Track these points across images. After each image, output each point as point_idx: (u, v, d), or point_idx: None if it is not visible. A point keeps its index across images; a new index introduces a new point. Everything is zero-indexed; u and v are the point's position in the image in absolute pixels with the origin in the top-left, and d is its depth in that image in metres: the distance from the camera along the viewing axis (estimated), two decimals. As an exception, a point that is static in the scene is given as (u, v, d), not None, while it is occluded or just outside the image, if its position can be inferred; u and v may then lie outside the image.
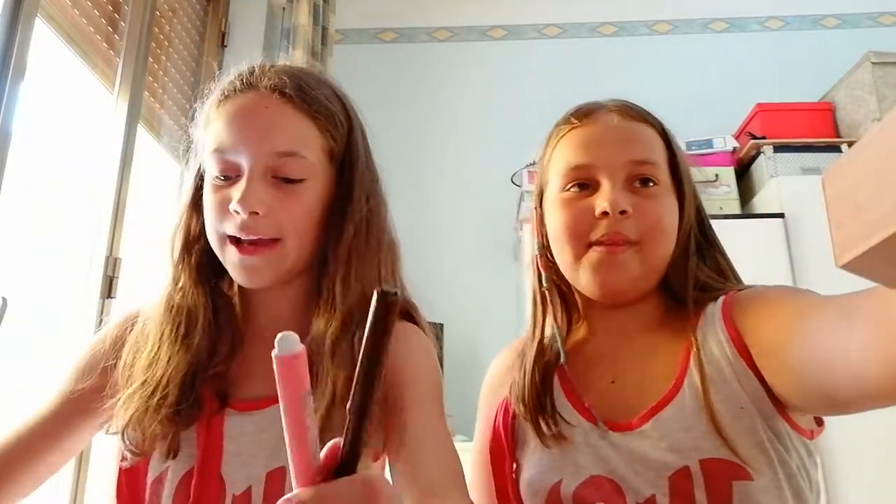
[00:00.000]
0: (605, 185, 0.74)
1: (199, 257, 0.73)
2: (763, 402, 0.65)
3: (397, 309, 0.37)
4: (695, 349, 0.70)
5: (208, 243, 0.72)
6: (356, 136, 0.77)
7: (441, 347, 2.16)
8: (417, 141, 2.60)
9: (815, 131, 2.24)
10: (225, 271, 0.73)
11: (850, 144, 2.28)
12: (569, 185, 0.76)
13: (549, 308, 0.81)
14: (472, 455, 0.85)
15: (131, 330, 0.74)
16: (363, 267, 0.72)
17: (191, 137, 0.79)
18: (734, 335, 0.68)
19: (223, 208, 0.68)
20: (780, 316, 0.63)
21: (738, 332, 0.68)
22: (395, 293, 0.36)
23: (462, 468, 0.70)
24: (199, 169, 0.75)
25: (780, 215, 2.02)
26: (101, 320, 1.52)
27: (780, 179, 2.11)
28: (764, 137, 2.22)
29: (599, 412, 0.73)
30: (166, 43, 1.97)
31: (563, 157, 0.78)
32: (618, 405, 0.73)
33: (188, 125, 0.80)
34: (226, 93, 0.72)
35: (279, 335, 0.38)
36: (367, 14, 2.75)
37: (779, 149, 2.19)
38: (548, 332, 0.81)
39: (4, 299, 1.13)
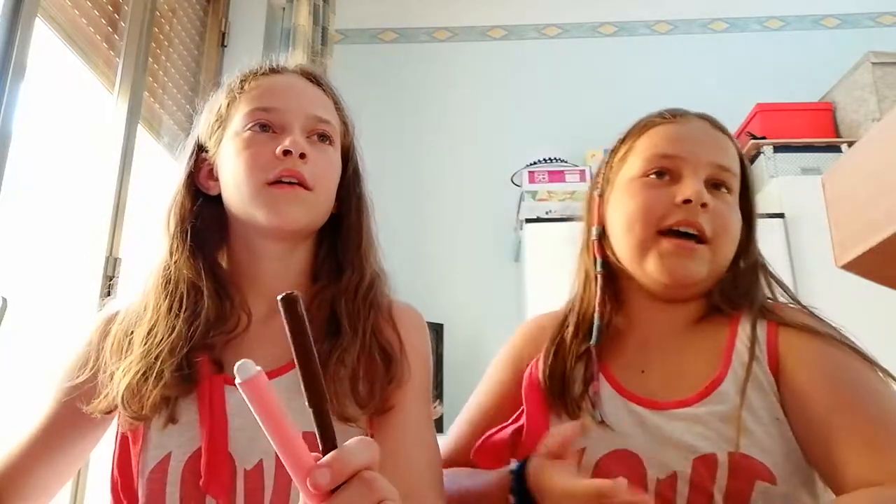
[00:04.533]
0: (688, 178, 0.76)
1: (193, 233, 0.76)
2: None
3: (301, 304, 0.41)
4: (739, 347, 0.73)
5: (202, 221, 0.77)
6: (356, 137, 0.86)
7: (441, 347, 2.16)
8: (417, 141, 2.59)
9: (815, 131, 2.24)
10: (218, 250, 0.79)
11: (850, 144, 2.28)
12: (650, 172, 0.79)
13: (597, 292, 0.82)
14: (476, 397, 0.89)
15: (114, 322, 0.75)
16: (373, 241, 0.82)
17: (190, 131, 0.82)
18: (773, 366, 0.71)
19: (265, 156, 0.73)
20: (821, 418, 0.66)
21: (780, 367, 0.71)
22: (293, 293, 0.41)
23: (440, 464, 0.73)
24: (193, 152, 0.80)
25: (780, 215, 2.02)
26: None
27: (780, 179, 2.11)
28: (764, 137, 2.22)
29: (631, 392, 0.76)
30: (166, 43, 1.96)
31: (651, 145, 0.81)
32: (647, 391, 0.75)
33: (188, 125, 0.82)
34: (261, 71, 0.80)
35: (236, 364, 0.41)
36: (367, 14, 2.75)
37: (779, 149, 2.19)
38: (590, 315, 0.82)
39: (4, 299, 1.13)
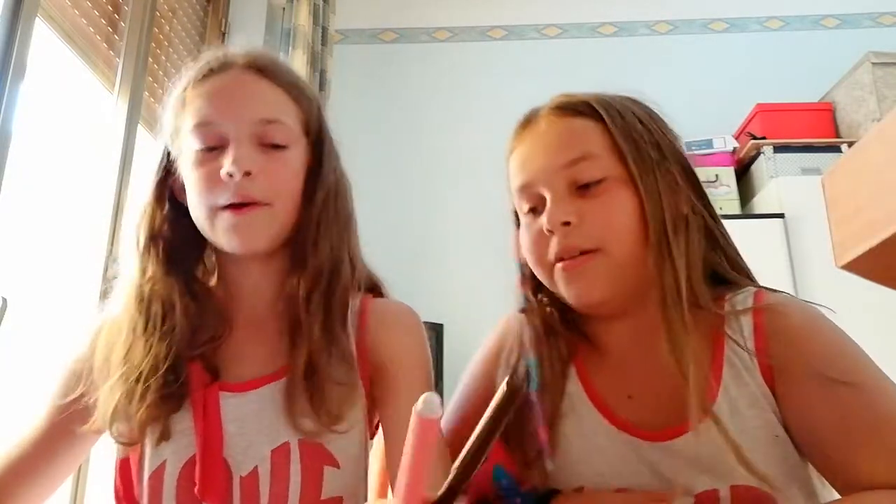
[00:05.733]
0: (548, 200, 0.70)
1: (165, 247, 0.73)
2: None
3: (519, 398, 0.42)
4: (726, 368, 0.67)
5: (174, 235, 0.73)
6: (322, 113, 0.80)
7: (441, 347, 2.16)
8: (417, 141, 2.59)
9: (815, 131, 2.24)
10: (196, 261, 0.76)
11: (850, 144, 2.28)
12: (526, 209, 0.73)
13: (527, 331, 0.75)
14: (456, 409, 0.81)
15: (100, 335, 0.73)
16: (330, 230, 0.74)
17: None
18: (767, 374, 0.65)
19: (213, 179, 0.68)
20: (826, 423, 0.62)
21: (772, 371, 0.65)
22: (522, 384, 0.41)
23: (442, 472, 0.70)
24: (163, 162, 0.76)
25: (780, 215, 2.02)
26: (101, 320, 1.52)
27: (780, 180, 2.11)
28: (764, 138, 2.22)
29: (624, 420, 0.69)
30: (166, 43, 1.96)
31: (512, 181, 0.76)
32: (640, 419, 0.69)
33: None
34: (201, 74, 0.73)
35: (426, 395, 0.41)
36: (367, 14, 2.75)
37: (779, 149, 2.19)
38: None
39: (4, 299, 1.13)
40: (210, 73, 0.73)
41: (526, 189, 0.72)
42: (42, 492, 0.74)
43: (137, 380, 0.66)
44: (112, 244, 1.58)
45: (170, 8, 1.99)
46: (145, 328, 0.69)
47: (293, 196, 0.72)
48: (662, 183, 0.69)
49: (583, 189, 0.69)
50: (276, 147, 0.71)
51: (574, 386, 0.73)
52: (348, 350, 0.71)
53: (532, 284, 0.77)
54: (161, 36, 1.93)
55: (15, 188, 1.26)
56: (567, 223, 0.67)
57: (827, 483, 0.65)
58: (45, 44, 1.41)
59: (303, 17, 2.18)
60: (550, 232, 0.68)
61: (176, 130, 0.73)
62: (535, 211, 0.72)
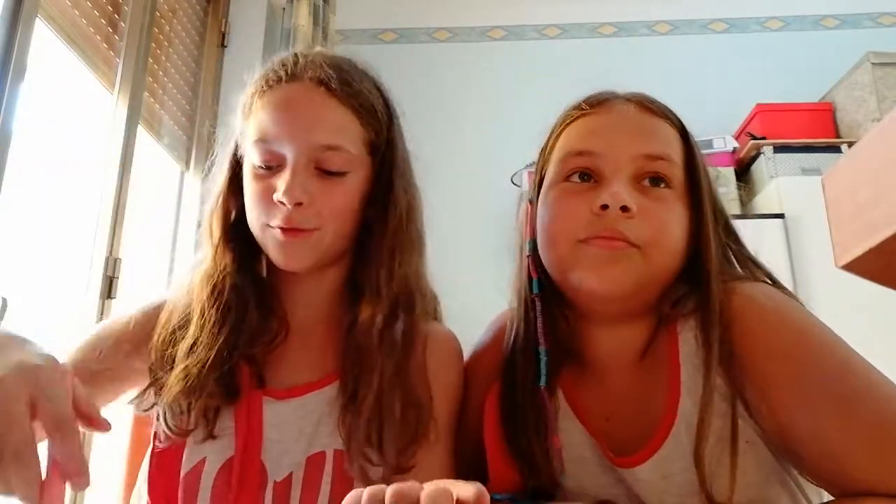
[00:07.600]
0: (609, 179, 0.65)
1: (238, 239, 0.73)
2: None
3: None
4: (683, 377, 0.63)
5: (246, 226, 0.72)
6: (395, 127, 0.80)
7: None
8: (417, 141, 2.59)
9: (815, 132, 2.24)
10: (259, 256, 0.75)
11: (850, 145, 2.27)
12: (569, 174, 0.68)
13: (537, 319, 0.71)
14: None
15: (161, 310, 0.73)
16: (405, 256, 0.74)
17: (193, 134, 0.79)
18: (727, 368, 0.61)
19: (266, 198, 0.68)
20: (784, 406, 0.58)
21: (733, 362, 0.61)
22: None
23: None
24: (235, 152, 0.75)
25: (780, 216, 2.02)
26: (100, 320, 1.52)
27: (780, 180, 2.11)
28: (764, 138, 2.22)
29: (601, 442, 0.67)
30: (166, 43, 1.96)
31: (566, 143, 0.70)
32: (617, 441, 0.66)
33: (188, 125, 0.80)
34: (270, 82, 0.71)
35: None
36: (367, 14, 2.74)
37: (779, 149, 2.19)
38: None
39: (4, 299, 1.13)
40: (278, 82, 0.70)
41: (587, 156, 0.67)
42: None
43: (200, 371, 0.66)
44: (112, 244, 1.58)
45: (170, 8, 1.99)
46: (215, 321, 0.69)
47: (346, 217, 0.71)
48: (712, 203, 0.69)
49: (645, 186, 0.66)
50: (334, 174, 0.70)
51: (559, 397, 0.71)
52: (424, 398, 0.69)
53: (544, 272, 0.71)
54: (161, 36, 1.92)
55: (15, 188, 1.26)
56: (628, 209, 0.63)
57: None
58: (45, 44, 1.41)
59: (303, 18, 2.17)
60: (604, 209, 0.63)
61: (242, 133, 0.73)
62: (584, 180, 0.67)
